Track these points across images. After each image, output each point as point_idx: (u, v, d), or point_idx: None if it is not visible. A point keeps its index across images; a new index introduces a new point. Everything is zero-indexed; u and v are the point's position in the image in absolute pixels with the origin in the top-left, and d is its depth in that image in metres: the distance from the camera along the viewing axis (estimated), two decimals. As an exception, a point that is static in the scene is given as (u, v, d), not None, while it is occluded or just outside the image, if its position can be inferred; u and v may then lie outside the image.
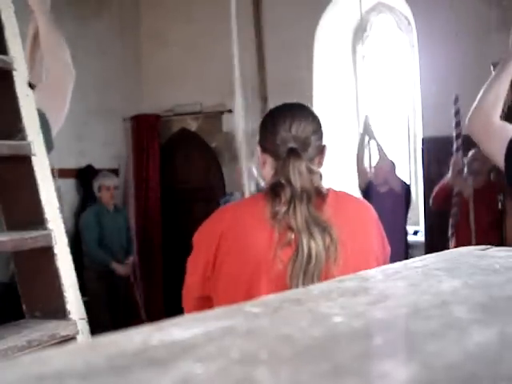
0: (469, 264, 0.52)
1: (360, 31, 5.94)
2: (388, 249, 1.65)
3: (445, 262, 0.53)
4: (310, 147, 1.56)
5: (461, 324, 0.35)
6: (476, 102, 2.01)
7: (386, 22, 6.13)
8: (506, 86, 1.96)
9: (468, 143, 4.64)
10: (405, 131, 6.08)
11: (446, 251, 0.59)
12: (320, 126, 1.60)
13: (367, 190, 4.75)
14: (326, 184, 1.60)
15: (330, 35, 5.94)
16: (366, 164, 4.93)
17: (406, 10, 5.64)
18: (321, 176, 1.56)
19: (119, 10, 6.22)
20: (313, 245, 1.46)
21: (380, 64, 6.21)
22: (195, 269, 1.57)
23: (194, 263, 1.58)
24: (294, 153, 1.53)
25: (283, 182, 1.50)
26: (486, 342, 0.31)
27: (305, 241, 1.47)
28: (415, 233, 5.61)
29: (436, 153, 5.08)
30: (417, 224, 5.72)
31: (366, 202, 1.74)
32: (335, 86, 6.01)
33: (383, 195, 4.72)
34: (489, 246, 0.58)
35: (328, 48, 5.93)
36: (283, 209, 1.49)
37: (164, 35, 6.36)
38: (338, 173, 5.51)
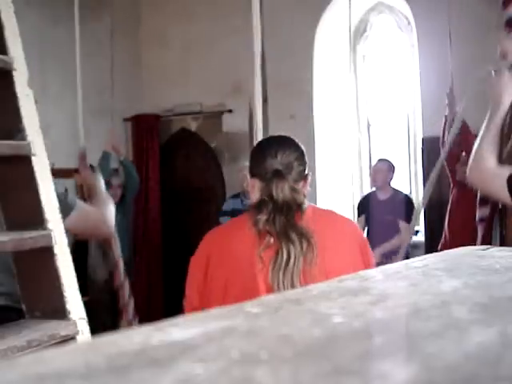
0: (469, 264, 0.52)
1: (362, 30, 5.95)
2: (372, 263, 1.77)
3: (445, 262, 0.53)
4: (293, 171, 1.72)
5: (461, 324, 0.35)
6: (472, 155, 2.10)
7: (386, 21, 6.14)
8: (497, 135, 2.02)
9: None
10: (405, 131, 6.08)
11: (446, 251, 0.59)
12: (303, 156, 1.78)
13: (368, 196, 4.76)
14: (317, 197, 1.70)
15: (330, 35, 5.94)
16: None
17: (406, 10, 5.64)
18: (304, 196, 1.71)
19: (119, 11, 6.22)
20: (291, 248, 1.60)
21: (380, 64, 6.21)
22: (192, 285, 1.76)
23: (190, 281, 1.77)
24: (278, 174, 1.70)
25: (266, 198, 1.66)
26: (486, 342, 0.31)
27: (284, 245, 1.61)
28: (415, 233, 5.61)
29: (436, 153, 5.08)
30: (417, 224, 5.72)
31: (350, 221, 1.92)
32: (335, 85, 6.01)
33: (383, 204, 4.72)
34: (489, 246, 0.58)
35: (328, 48, 5.93)
36: (264, 217, 1.64)
37: (164, 35, 6.36)
38: (338, 173, 5.52)
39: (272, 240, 1.61)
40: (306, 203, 1.69)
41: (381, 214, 4.47)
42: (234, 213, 4.62)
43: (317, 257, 1.59)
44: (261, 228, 1.62)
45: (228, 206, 5.03)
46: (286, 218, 1.63)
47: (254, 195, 1.75)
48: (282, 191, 1.66)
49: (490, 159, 2.01)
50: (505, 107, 2.01)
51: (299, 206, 1.66)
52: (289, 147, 1.75)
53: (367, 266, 1.70)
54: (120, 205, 5.41)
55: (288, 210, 1.64)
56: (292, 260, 1.58)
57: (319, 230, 1.64)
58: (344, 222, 1.81)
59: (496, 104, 2.02)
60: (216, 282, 1.68)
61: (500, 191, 2.01)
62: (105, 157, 4.98)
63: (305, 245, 1.60)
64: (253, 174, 1.77)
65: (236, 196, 5.08)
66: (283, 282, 1.57)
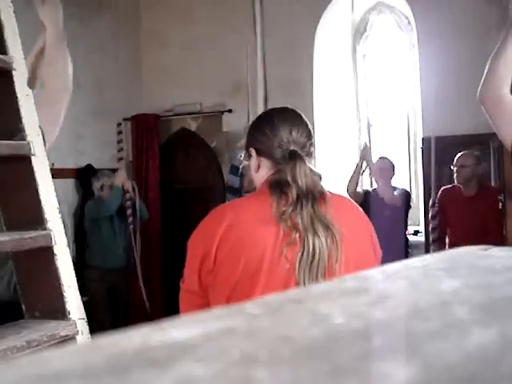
0: (469, 264, 0.52)
1: (362, 30, 5.94)
2: (379, 252, 1.68)
3: (445, 262, 0.53)
4: (305, 152, 1.61)
5: (461, 324, 0.34)
6: (485, 73, 1.98)
7: (386, 21, 6.14)
8: None
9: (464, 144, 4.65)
10: (405, 131, 6.08)
11: (447, 251, 0.59)
12: (311, 132, 1.67)
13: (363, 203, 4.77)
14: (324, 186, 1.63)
15: (330, 35, 5.94)
16: (359, 189, 4.94)
17: (407, 10, 5.64)
18: (320, 178, 1.60)
19: (119, 10, 6.22)
20: (317, 242, 1.50)
21: (380, 64, 6.21)
22: (193, 266, 1.57)
23: (192, 261, 1.58)
24: (298, 155, 1.57)
25: (289, 181, 1.53)
26: (487, 342, 0.31)
27: (310, 238, 1.50)
28: (415, 233, 5.61)
29: (436, 153, 5.08)
30: (417, 224, 5.72)
31: (360, 209, 1.76)
32: (335, 85, 6.01)
33: (383, 201, 4.73)
34: (489, 246, 0.58)
35: (328, 48, 5.93)
36: (290, 208, 1.51)
37: (164, 35, 6.36)
38: (337, 173, 5.51)
39: (298, 235, 1.50)
40: (324, 190, 1.58)
41: (381, 210, 4.48)
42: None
43: (341, 253, 1.51)
44: (289, 223, 1.50)
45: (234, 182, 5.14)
46: (312, 207, 1.51)
47: (260, 175, 1.62)
48: (305, 175, 1.53)
49: (504, 86, 1.91)
50: None
51: (321, 193, 1.55)
52: (301, 124, 1.62)
53: (377, 259, 1.64)
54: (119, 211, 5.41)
55: (313, 198, 1.52)
56: (317, 256, 1.49)
57: (338, 219, 1.55)
58: (357, 211, 1.69)
59: None
60: (224, 274, 1.53)
61: (506, 127, 1.91)
62: (115, 192, 5.12)
63: (329, 239, 1.51)
64: (258, 152, 1.62)
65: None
66: (309, 280, 1.48)
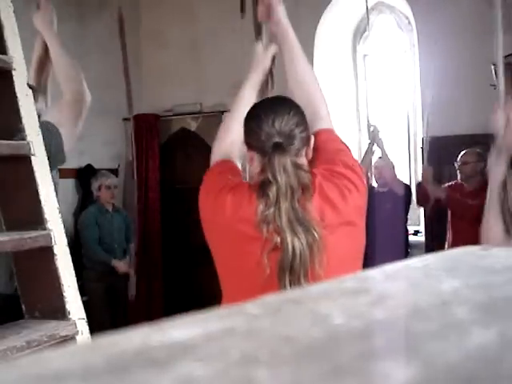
0: (469, 264, 0.52)
1: (362, 29, 5.94)
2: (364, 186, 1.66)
3: (445, 261, 0.53)
4: (296, 140, 1.55)
5: (461, 324, 0.34)
6: (482, 228, 2.19)
7: (386, 21, 6.14)
8: (497, 206, 2.14)
9: (461, 144, 4.65)
10: (405, 131, 6.08)
11: (447, 251, 0.59)
12: (303, 118, 1.60)
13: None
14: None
15: (331, 35, 5.94)
16: (370, 172, 4.93)
17: (407, 10, 5.64)
18: (308, 171, 1.55)
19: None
20: (296, 243, 1.46)
21: (380, 64, 6.21)
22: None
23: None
24: (279, 148, 1.52)
25: (270, 178, 1.50)
26: (487, 342, 0.31)
27: (289, 239, 1.46)
28: (415, 233, 5.61)
29: (436, 153, 5.08)
30: (417, 224, 5.72)
31: (357, 182, 1.64)
32: (335, 85, 6.01)
33: (383, 196, 4.73)
34: (489, 246, 0.58)
35: (328, 48, 5.93)
36: (271, 210, 1.48)
37: (164, 35, 6.36)
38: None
39: (279, 239, 1.47)
40: (309, 178, 1.53)
41: (381, 204, 4.49)
42: None
43: (322, 254, 1.46)
44: (270, 228, 1.48)
45: None
46: (291, 206, 1.48)
47: (254, 168, 1.61)
48: (284, 170, 1.49)
49: (496, 228, 2.10)
50: (496, 182, 2.15)
51: (304, 187, 1.51)
52: (287, 112, 1.56)
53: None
54: (119, 210, 5.40)
55: (292, 194, 1.48)
56: (298, 258, 1.45)
57: (324, 216, 1.52)
58: (349, 197, 1.58)
59: (491, 180, 2.18)
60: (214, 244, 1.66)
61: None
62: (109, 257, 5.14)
63: (310, 241, 1.46)
64: (249, 146, 1.61)
65: None
66: (290, 284, 1.45)
